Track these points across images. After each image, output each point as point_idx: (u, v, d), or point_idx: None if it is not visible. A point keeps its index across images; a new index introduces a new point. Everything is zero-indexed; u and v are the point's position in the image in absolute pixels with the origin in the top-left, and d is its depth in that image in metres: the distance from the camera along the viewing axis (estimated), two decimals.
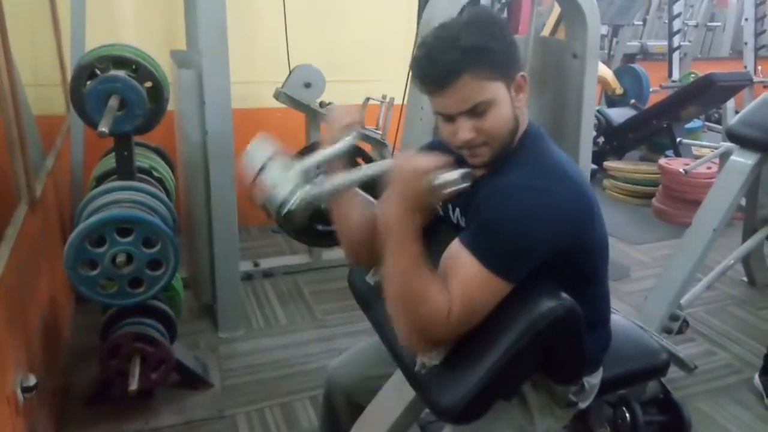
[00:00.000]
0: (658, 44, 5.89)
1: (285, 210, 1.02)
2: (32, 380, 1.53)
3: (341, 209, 1.25)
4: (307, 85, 2.92)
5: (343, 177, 1.14)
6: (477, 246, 1.04)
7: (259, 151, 1.11)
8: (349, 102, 3.09)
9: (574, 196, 1.07)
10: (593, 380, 1.27)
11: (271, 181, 1.05)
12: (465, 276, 1.03)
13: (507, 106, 1.07)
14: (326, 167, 1.17)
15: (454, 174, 1.00)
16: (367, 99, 3.04)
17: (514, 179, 1.07)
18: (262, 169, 1.07)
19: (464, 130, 1.06)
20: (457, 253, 1.06)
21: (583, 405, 1.25)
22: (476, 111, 1.05)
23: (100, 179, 2.18)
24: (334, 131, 1.19)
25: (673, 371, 1.84)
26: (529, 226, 1.02)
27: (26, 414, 1.57)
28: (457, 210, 1.22)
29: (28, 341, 1.71)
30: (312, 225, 2.73)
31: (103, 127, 1.63)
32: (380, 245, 1.19)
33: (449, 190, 1.00)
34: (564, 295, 1.04)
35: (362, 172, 1.16)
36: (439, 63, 1.02)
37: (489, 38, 1.03)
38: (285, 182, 1.04)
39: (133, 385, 1.82)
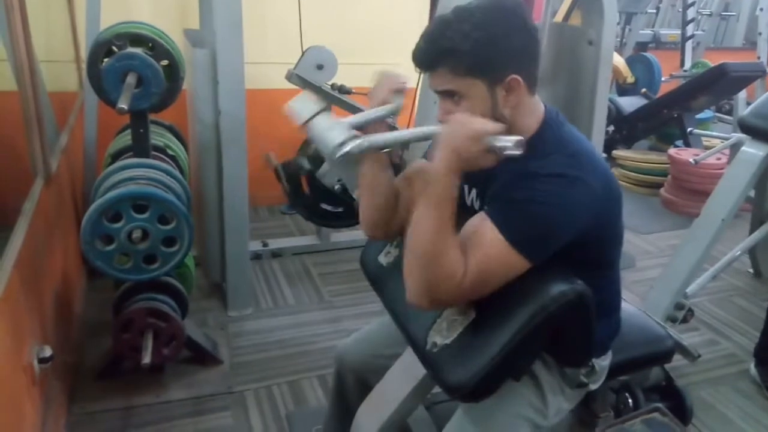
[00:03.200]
0: (670, 33, 5.85)
1: (342, 151, 1.04)
2: (48, 351, 1.57)
3: (371, 172, 1.27)
4: (320, 67, 2.91)
5: (393, 134, 1.17)
6: (505, 222, 1.05)
7: (307, 102, 1.14)
8: (361, 85, 3.10)
9: (603, 186, 1.09)
10: (603, 362, 1.29)
11: (325, 126, 1.09)
12: (487, 247, 1.04)
13: (484, 103, 1.08)
14: (367, 130, 1.19)
15: (511, 139, 1.01)
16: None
17: (544, 166, 1.07)
18: (312, 117, 1.11)
19: (441, 111, 1.12)
20: (481, 224, 1.07)
21: (593, 386, 1.27)
22: (451, 96, 1.10)
23: (116, 156, 2.20)
24: (382, 94, 1.21)
25: (677, 359, 1.86)
26: (559, 211, 1.04)
27: (41, 384, 1.61)
28: (473, 191, 1.23)
29: (43, 314, 1.75)
30: (319, 204, 2.75)
31: (123, 104, 1.65)
32: (400, 219, 1.24)
33: (506, 153, 1.01)
34: (576, 279, 1.06)
35: (411, 133, 1.18)
36: (423, 52, 1.09)
37: (470, 42, 1.04)
38: (339, 129, 1.07)
39: (146, 358, 1.85)
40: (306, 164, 2.64)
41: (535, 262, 1.05)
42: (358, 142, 1.06)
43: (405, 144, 1.19)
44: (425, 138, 1.16)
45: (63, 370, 1.93)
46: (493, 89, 1.07)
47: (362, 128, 1.15)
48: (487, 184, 1.15)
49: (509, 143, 1.01)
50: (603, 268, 1.21)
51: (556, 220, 1.04)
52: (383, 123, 1.22)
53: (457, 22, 1.06)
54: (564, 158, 1.09)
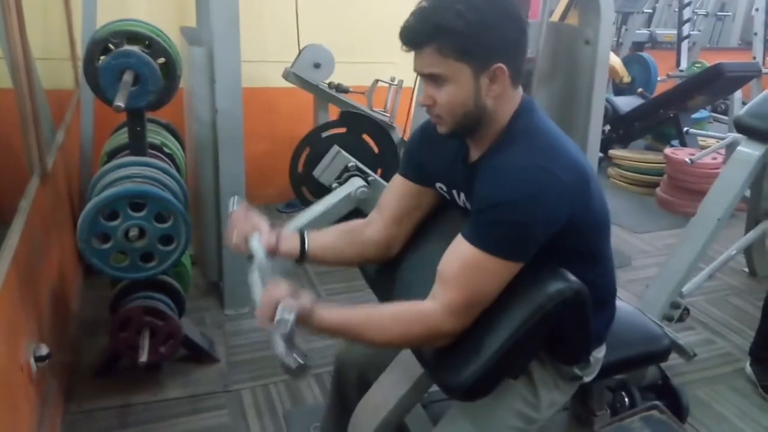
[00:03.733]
0: (667, 33, 5.86)
1: (301, 374, 1.01)
2: (44, 350, 1.56)
3: (324, 263, 1.36)
4: (317, 66, 2.92)
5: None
6: (474, 232, 1.06)
7: (255, 284, 1.14)
8: (358, 84, 3.10)
9: (571, 174, 1.06)
10: (598, 354, 1.29)
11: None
12: (467, 268, 1.05)
13: (466, 90, 1.07)
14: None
15: (278, 314, 0.99)
16: (376, 81, 3.05)
17: (511, 158, 1.07)
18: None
19: (423, 95, 1.11)
20: (457, 247, 1.08)
21: (587, 379, 1.27)
22: (435, 80, 1.08)
23: (112, 154, 2.19)
24: (240, 237, 1.23)
25: (673, 358, 1.86)
26: (528, 205, 1.03)
27: (38, 383, 1.61)
28: (462, 195, 1.23)
29: (40, 312, 1.74)
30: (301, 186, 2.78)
31: (120, 102, 1.64)
32: (396, 244, 1.35)
33: (289, 326, 0.98)
34: (572, 277, 1.06)
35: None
36: (413, 29, 1.06)
37: (464, 22, 1.02)
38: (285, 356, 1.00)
39: (143, 357, 1.85)
40: None
41: (522, 261, 1.05)
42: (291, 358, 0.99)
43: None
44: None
45: (60, 368, 1.93)
46: (477, 76, 1.06)
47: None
48: (471, 185, 1.14)
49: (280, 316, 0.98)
50: (594, 260, 1.20)
51: (526, 219, 1.03)
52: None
53: (452, 1, 1.04)
54: (529, 148, 1.08)
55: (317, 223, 2.25)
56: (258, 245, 1.19)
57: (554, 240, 1.06)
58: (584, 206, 1.10)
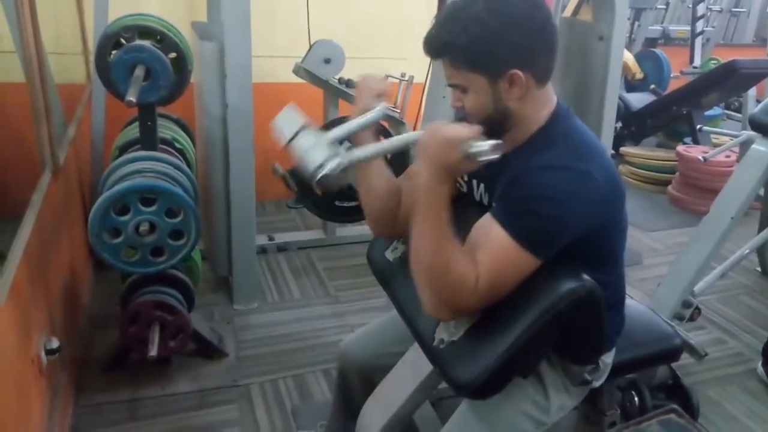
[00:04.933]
0: (680, 29, 5.80)
1: (321, 173, 1.05)
2: (55, 343, 1.58)
3: (368, 179, 1.27)
4: (327, 61, 2.91)
5: (374, 146, 1.17)
6: (510, 221, 1.05)
7: (290, 119, 1.14)
8: None
9: (608, 179, 1.08)
10: (607, 359, 1.29)
11: (306, 146, 1.09)
12: (496, 249, 1.04)
13: (485, 97, 1.08)
14: (354, 138, 1.20)
15: (487, 144, 1.01)
16: (386, 77, 3.03)
17: (549, 159, 1.07)
18: (294, 136, 1.11)
19: (453, 97, 1.15)
20: (488, 226, 1.07)
21: (596, 383, 1.27)
22: (458, 87, 1.12)
23: (123, 149, 2.20)
24: (365, 100, 1.22)
25: (684, 358, 1.85)
26: (565, 205, 1.03)
27: (49, 375, 1.62)
28: (482, 186, 1.23)
29: (51, 306, 1.75)
30: (332, 200, 2.74)
31: (131, 97, 1.64)
32: (404, 216, 1.22)
33: (482, 159, 1.01)
34: (585, 276, 1.05)
35: (393, 142, 1.19)
36: (428, 42, 1.11)
37: (468, 37, 1.04)
38: (320, 147, 1.08)
39: (153, 351, 1.86)
40: None
41: (544, 259, 1.05)
42: (336, 162, 1.06)
43: (386, 154, 1.19)
44: (405, 147, 1.17)
45: (70, 361, 1.94)
46: (495, 82, 1.07)
47: (349, 138, 1.16)
48: (495, 179, 1.14)
49: (485, 147, 1.00)
50: (608, 264, 1.20)
51: (563, 216, 1.03)
52: (369, 132, 1.23)
53: (459, 13, 1.06)
54: (570, 151, 1.08)
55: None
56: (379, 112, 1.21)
57: (578, 242, 1.06)
58: (616, 213, 1.13)
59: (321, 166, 1.05)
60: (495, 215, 1.07)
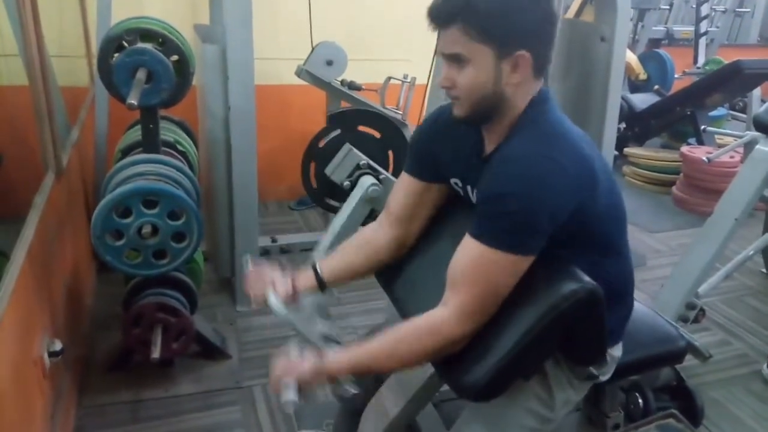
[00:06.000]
0: (684, 29, 5.78)
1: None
2: (58, 345, 1.58)
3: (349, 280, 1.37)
4: (329, 63, 2.91)
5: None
6: (479, 228, 1.05)
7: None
8: (371, 81, 3.10)
9: (577, 164, 1.05)
10: (615, 353, 1.26)
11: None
12: (473, 264, 1.05)
13: (487, 74, 1.06)
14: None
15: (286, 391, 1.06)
16: (388, 78, 3.03)
17: (514, 148, 1.07)
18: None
19: (443, 76, 1.11)
20: (464, 244, 1.08)
21: (603, 378, 1.25)
22: (457, 61, 1.07)
23: (126, 151, 2.20)
24: (259, 299, 1.29)
25: (688, 359, 1.83)
26: (530, 194, 1.01)
27: (52, 377, 1.62)
28: (475, 191, 1.22)
29: (54, 307, 1.76)
30: (324, 198, 2.76)
31: (133, 100, 1.65)
32: (410, 238, 1.34)
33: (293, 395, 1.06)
34: (586, 277, 1.04)
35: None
36: (441, 6, 1.07)
37: (492, 3, 1.02)
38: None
39: (155, 353, 1.86)
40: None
41: (529, 255, 1.04)
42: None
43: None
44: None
45: (73, 363, 1.95)
46: (499, 61, 1.05)
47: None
48: (479, 178, 1.13)
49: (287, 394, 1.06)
50: (609, 253, 1.18)
51: (531, 207, 1.01)
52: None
53: None
54: (533, 137, 1.07)
55: (342, 238, 2.24)
56: (275, 302, 1.25)
57: (563, 231, 1.05)
58: (591, 198, 1.08)
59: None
60: (470, 232, 1.07)
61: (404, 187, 1.31)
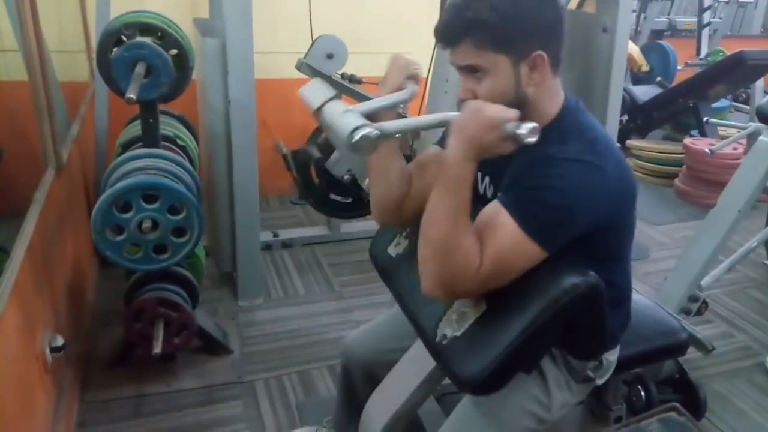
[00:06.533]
0: (687, 20, 5.76)
1: (356, 137, 0.99)
2: (60, 341, 1.58)
3: (382, 159, 1.24)
4: (330, 56, 2.89)
5: (407, 120, 1.14)
6: (518, 209, 1.04)
7: (318, 89, 1.12)
8: (372, 75, 3.09)
9: (621, 175, 1.07)
10: (611, 357, 1.28)
11: (337, 112, 1.05)
12: (502, 236, 1.03)
13: (506, 80, 1.05)
14: (379, 117, 1.13)
15: (525, 127, 1.00)
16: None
17: (562, 151, 1.05)
18: (324, 103, 1.08)
19: (462, 89, 1.10)
20: (495, 213, 1.05)
21: (599, 381, 1.26)
22: (473, 72, 1.07)
23: (126, 146, 2.20)
24: (396, 78, 1.18)
25: (690, 352, 1.83)
26: (576, 198, 1.02)
27: (54, 373, 1.63)
28: (486, 179, 1.21)
29: (55, 303, 1.76)
30: (328, 194, 2.73)
31: (131, 94, 1.64)
32: (412, 206, 1.24)
33: (521, 141, 1.00)
34: (589, 271, 1.04)
35: (427, 120, 1.15)
36: (448, 26, 1.07)
37: (497, 14, 1.01)
38: (352, 115, 1.03)
39: (157, 348, 1.86)
40: (316, 153, 2.62)
41: (549, 251, 1.03)
42: (370, 129, 1.02)
43: (418, 130, 1.15)
44: (440, 125, 1.13)
45: (75, 358, 1.95)
46: (517, 65, 1.05)
47: (372, 116, 1.10)
48: (501, 172, 1.13)
49: (525, 130, 0.99)
50: (615, 260, 1.19)
51: (572, 208, 1.02)
52: (393, 111, 1.19)
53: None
54: (582, 144, 1.06)
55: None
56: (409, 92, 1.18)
57: (585, 238, 1.05)
58: (627, 210, 1.12)
59: (355, 130, 0.99)
60: (503, 203, 1.06)
61: (431, 153, 1.30)
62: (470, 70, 1.07)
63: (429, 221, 1.06)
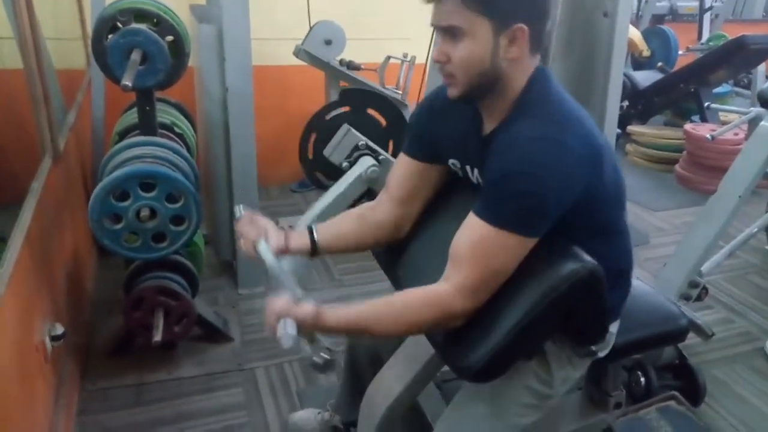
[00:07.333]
0: (688, 5, 5.70)
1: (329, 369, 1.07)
2: (59, 329, 1.58)
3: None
4: (328, 42, 2.88)
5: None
6: (485, 207, 1.03)
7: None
8: (370, 61, 3.06)
9: (585, 145, 1.04)
10: (612, 329, 1.26)
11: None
12: (476, 242, 1.03)
13: (483, 47, 1.03)
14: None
15: (280, 328, 1.02)
16: (388, 57, 3.00)
17: (523, 131, 1.03)
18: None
19: (438, 50, 1.07)
20: (468, 222, 1.06)
21: (601, 354, 1.25)
22: (453, 34, 1.04)
23: (123, 134, 2.19)
24: (248, 244, 1.24)
25: (690, 338, 1.84)
26: (541, 178, 0.99)
27: (54, 362, 1.63)
28: (476, 171, 1.20)
29: (54, 292, 1.75)
30: (314, 170, 2.78)
31: (127, 81, 1.63)
32: (407, 226, 1.33)
33: (292, 338, 1.02)
34: (586, 256, 1.03)
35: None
36: None
37: None
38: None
39: (157, 336, 1.86)
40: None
41: (532, 238, 1.03)
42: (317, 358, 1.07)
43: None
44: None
45: (75, 347, 1.95)
46: (497, 34, 1.03)
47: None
48: (483, 159, 1.11)
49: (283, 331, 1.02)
50: (608, 233, 1.16)
51: (540, 191, 1.00)
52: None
53: None
54: (544, 119, 1.04)
55: (332, 210, 2.23)
56: (266, 249, 1.20)
57: (568, 214, 1.03)
58: (598, 178, 1.07)
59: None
60: (474, 210, 1.06)
61: (403, 168, 1.29)
62: (449, 32, 1.04)
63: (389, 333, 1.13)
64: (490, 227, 1.02)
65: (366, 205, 1.37)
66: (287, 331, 1.01)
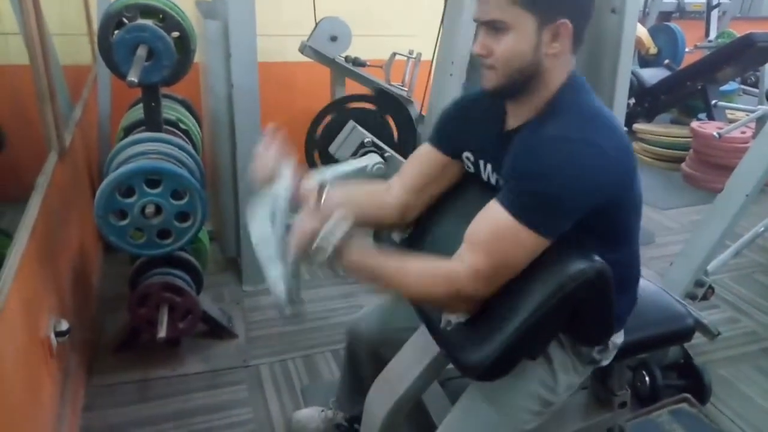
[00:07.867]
0: (695, 2, 5.67)
1: (293, 310, 1.08)
2: (65, 325, 1.58)
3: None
4: (333, 39, 2.87)
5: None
6: (511, 199, 1.03)
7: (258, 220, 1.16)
8: (376, 57, 3.05)
9: (620, 151, 1.04)
10: (617, 339, 1.26)
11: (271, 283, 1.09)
12: (495, 230, 1.02)
13: (527, 42, 1.03)
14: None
15: (330, 224, 1.02)
16: (394, 54, 2.99)
17: (558, 129, 1.03)
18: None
19: (479, 44, 1.07)
20: (490, 208, 1.05)
21: (605, 362, 1.25)
22: (496, 28, 1.04)
23: (128, 130, 2.19)
24: (266, 176, 1.23)
25: (696, 337, 1.82)
26: (573, 178, 0.99)
27: (59, 357, 1.63)
28: (489, 166, 1.20)
29: (60, 288, 1.76)
30: (313, 150, 2.84)
31: (133, 77, 1.62)
32: (412, 214, 1.32)
33: (336, 241, 1.02)
34: (595, 257, 1.02)
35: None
36: None
37: None
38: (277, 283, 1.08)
39: (162, 332, 1.87)
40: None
41: (550, 238, 1.02)
42: (288, 293, 1.07)
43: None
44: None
45: (81, 343, 1.96)
46: (541, 29, 1.03)
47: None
48: (501, 155, 1.11)
49: (331, 227, 1.02)
50: (621, 242, 1.17)
51: (566, 192, 1.00)
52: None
53: None
54: (578, 120, 1.04)
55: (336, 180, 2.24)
56: (289, 173, 1.19)
57: (590, 218, 1.03)
58: (628, 186, 1.08)
59: (289, 304, 1.07)
60: (497, 197, 1.05)
61: (423, 156, 1.30)
62: (492, 26, 1.04)
63: (396, 289, 1.12)
64: (512, 220, 1.01)
65: (378, 184, 1.36)
66: (336, 228, 1.02)
